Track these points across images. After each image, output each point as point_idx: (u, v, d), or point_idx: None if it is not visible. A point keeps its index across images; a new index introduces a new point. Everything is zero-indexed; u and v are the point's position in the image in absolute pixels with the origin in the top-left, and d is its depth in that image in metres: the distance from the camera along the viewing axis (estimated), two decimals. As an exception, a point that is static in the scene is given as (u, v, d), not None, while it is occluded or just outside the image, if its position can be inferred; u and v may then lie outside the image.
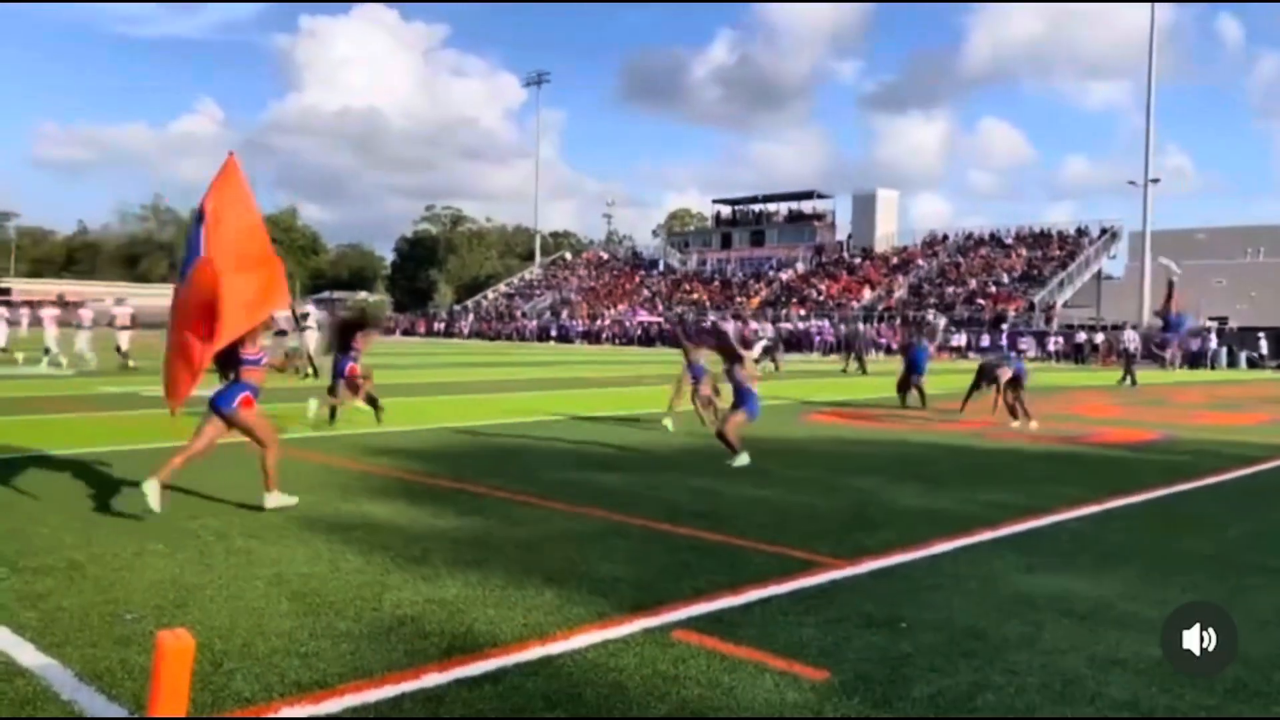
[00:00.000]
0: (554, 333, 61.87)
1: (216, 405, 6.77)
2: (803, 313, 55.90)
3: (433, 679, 3.74)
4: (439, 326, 70.43)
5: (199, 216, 6.99)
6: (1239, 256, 64.96)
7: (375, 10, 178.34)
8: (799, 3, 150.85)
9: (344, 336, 12.18)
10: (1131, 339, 30.38)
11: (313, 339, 20.78)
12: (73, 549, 5.64)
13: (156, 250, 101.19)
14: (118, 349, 23.19)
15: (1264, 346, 40.58)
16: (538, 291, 76.10)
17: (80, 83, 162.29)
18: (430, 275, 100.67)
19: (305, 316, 21.75)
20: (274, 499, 6.83)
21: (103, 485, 7.71)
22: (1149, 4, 48.01)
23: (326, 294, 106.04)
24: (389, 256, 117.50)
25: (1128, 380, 26.16)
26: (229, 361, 6.81)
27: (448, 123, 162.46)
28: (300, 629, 4.29)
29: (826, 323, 50.68)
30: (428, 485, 8.04)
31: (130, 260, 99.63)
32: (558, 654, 4.03)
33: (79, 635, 4.15)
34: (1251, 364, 40.92)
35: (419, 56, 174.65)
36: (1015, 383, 13.63)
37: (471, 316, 71.34)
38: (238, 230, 6.93)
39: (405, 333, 70.10)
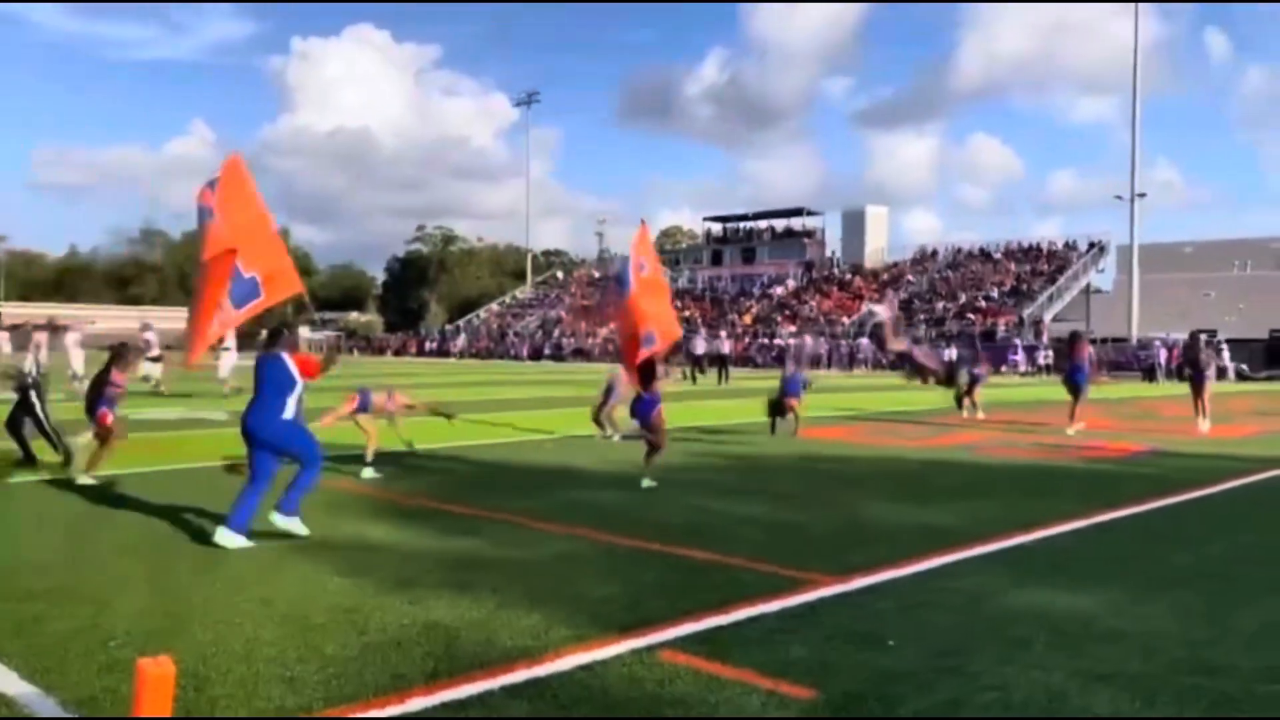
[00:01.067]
0: (547, 351, 61.88)
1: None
2: (793, 329, 56.04)
3: (418, 703, 3.73)
4: (431, 346, 70.35)
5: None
6: (1227, 270, 65.35)
7: (366, 31, 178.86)
8: (792, 2, 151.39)
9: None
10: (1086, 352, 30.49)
11: (228, 361, 21.84)
12: (63, 573, 5.63)
13: (148, 273, 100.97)
14: (145, 378, 21.57)
15: (1227, 356, 40.61)
16: (530, 311, 76.16)
17: (75, 107, 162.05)
18: (422, 295, 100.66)
19: (221, 340, 21.90)
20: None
21: (95, 509, 7.69)
22: (1134, 3, 48.21)
23: (318, 315, 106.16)
24: (380, 276, 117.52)
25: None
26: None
27: (439, 142, 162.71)
28: (287, 653, 4.29)
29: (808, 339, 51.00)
30: (419, 506, 8.03)
31: (121, 282, 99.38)
32: (544, 676, 4.03)
33: (64, 663, 4.13)
34: (1241, 376, 41.13)
35: (410, 77, 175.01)
36: (974, 382, 17.86)
37: (463, 336, 71.32)
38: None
39: (396, 353, 69.99)
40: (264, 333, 6.99)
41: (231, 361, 21.98)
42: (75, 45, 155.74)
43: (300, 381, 6.74)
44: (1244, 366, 42.30)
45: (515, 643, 4.45)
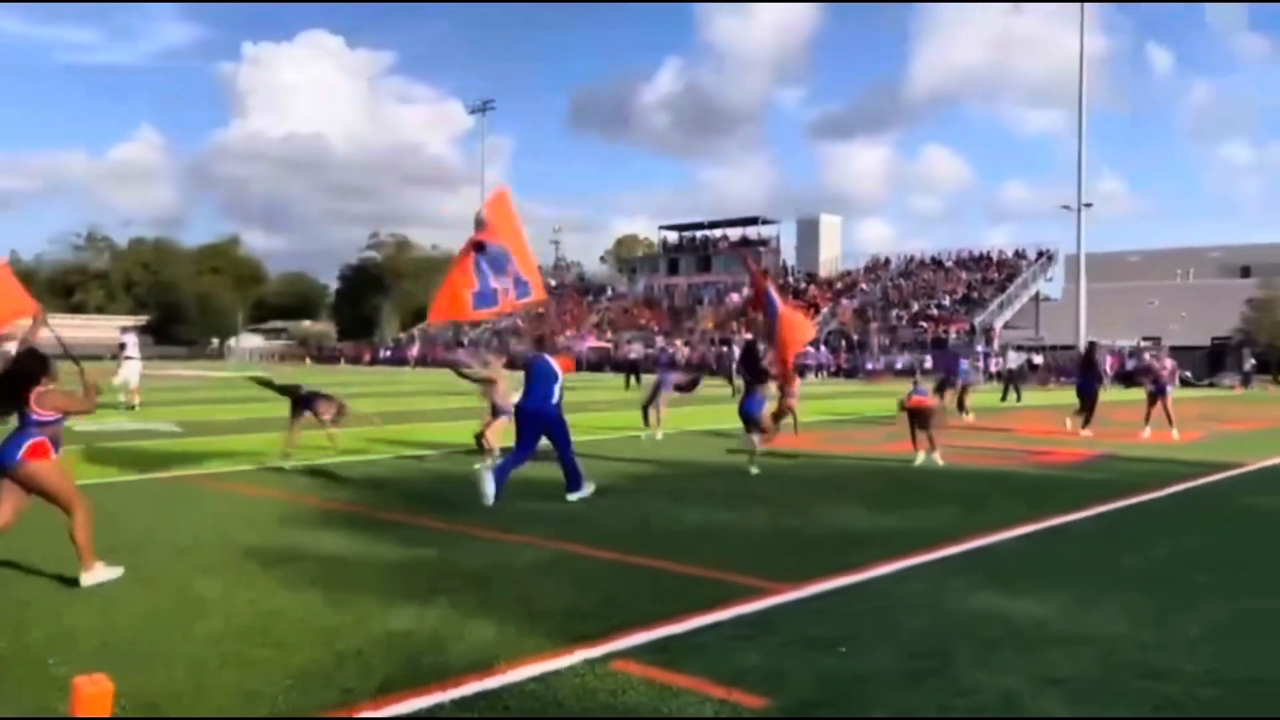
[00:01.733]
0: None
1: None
2: (749, 335, 56.33)
3: (366, 715, 3.66)
4: (385, 354, 69.68)
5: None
6: (1171, 278, 66.83)
7: (320, 37, 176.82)
8: (746, 1, 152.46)
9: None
10: (1014, 359, 31.17)
11: (133, 370, 20.68)
12: (20, 588, 5.48)
13: (92, 280, 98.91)
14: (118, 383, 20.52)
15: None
16: (485, 319, 75.75)
17: (21, 112, 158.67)
18: (375, 303, 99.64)
19: (124, 347, 21.46)
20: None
21: (38, 521, 7.47)
22: (1081, 11, 49.12)
23: (270, 323, 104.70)
24: (333, 284, 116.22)
25: (1012, 396, 27.02)
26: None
27: (394, 149, 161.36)
28: (239, 667, 4.19)
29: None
30: (374, 518, 7.92)
31: (66, 290, 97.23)
32: (496, 687, 3.98)
33: (2, 681, 4.00)
34: (1184, 383, 42.03)
35: (365, 83, 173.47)
36: (966, 387, 19.98)
37: (418, 344, 70.74)
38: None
39: (350, 361, 69.25)
40: (532, 339, 9.57)
41: (135, 370, 20.62)
42: (17, 48, 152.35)
43: (561, 375, 8.86)
44: (1188, 373, 43.22)
45: (467, 654, 4.39)
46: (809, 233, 68.08)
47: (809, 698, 3.91)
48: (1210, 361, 46.62)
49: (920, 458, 11.75)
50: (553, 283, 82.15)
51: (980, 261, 60.30)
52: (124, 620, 4.89)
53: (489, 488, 8.24)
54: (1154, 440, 15.08)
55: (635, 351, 39.52)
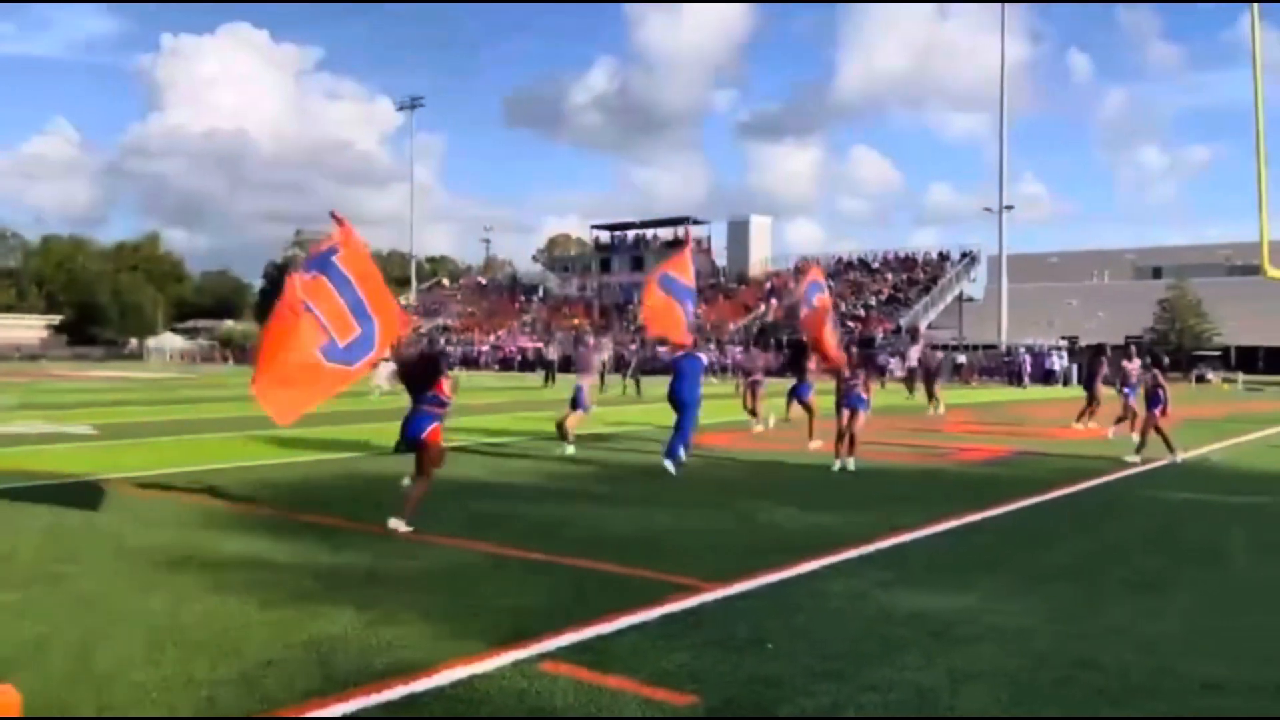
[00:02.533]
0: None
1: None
2: (799, 336, 56.47)
3: (288, 718, 3.61)
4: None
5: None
6: (1087, 279, 68.82)
7: (243, 30, 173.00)
8: (684, 2, 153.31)
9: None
10: (916, 355, 31.71)
11: None
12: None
13: (1, 278, 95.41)
14: None
15: (1059, 360, 42.74)
16: (415, 317, 74.87)
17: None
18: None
19: None
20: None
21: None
22: (1002, 11, 50.23)
23: (191, 323, 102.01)
24: (258, 283, 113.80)
25: (917, 394, 26.50)
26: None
27: (322, 146, 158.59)
28: (154, 678, 4.08)
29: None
30: (301, 522, 7.78)
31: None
32: (422, 691, 3.94)
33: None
34: (1105, 381, 43.35)
35: (291, 78, 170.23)
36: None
37: (345, 344, 69.58)
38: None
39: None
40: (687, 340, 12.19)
41: None
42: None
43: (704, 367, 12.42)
44: (1105, 371, 44.59)
45: (394, 658, 4.34)
46: (739, 234, 68.63)
47: (734, 695, 3.95)
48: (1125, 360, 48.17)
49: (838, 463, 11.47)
50: (483, 281, 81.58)
51: (906, 263, 61.43)
52: (32, 630, 4.73)
53: (673, 468, 10.67)
54: (1065, 437, 15.52)
55: (552, 352, 39.88)
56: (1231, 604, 5.64)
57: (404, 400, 7.84)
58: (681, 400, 11.41)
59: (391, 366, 22.88)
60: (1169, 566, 6.56)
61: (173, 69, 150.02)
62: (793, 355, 14.59)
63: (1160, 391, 12.09)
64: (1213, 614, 5.39)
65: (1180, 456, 12.14)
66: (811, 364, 14.63)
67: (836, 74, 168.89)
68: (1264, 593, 5.98)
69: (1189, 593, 5.93)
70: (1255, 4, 11.88)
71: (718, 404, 24.72)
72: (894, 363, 45.62)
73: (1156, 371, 12.58)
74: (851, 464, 11.24)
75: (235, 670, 4.18)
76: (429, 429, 7.50)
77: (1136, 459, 12.02)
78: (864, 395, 11.55)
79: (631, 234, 74.99)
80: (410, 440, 7.54)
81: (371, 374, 22.65)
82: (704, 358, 11.94)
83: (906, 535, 7.33)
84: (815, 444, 13.19)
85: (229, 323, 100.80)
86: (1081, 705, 3.94)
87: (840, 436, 11.41)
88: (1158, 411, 12.09)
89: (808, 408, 14.35)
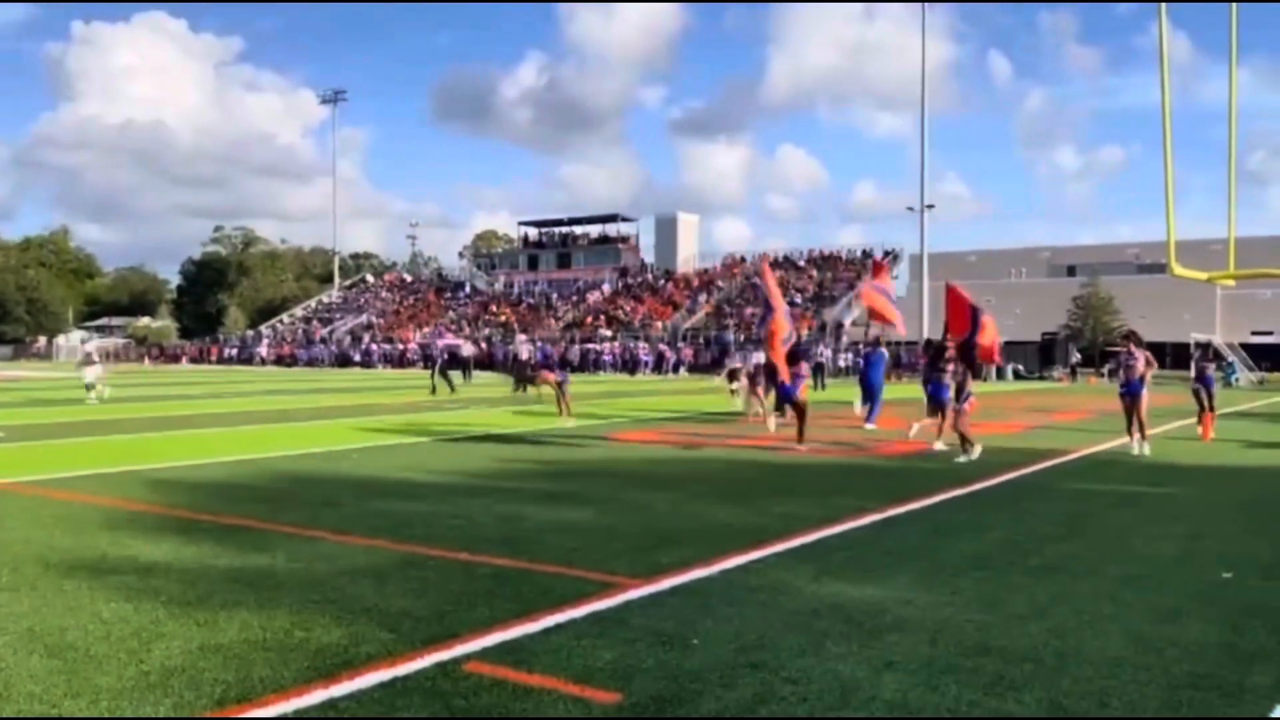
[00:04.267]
0: (357, 358, 59.93)
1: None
2: (608, 333, 56.62)
3: (203, 732, 3.51)
4: (231, 353, 66.81)
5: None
6: (1005, 277, 70.53)
7: (160, 19, 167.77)
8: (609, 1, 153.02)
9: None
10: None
11: None
12: None
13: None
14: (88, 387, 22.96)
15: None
16: (337, 315, 73.59)
17: None
18: (219, 299, 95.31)
19: None
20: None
21: None
22: (922, 37, 51.40)
23: (104, 320, 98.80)
24: (174, 280, 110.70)
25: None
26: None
27: (242, 139, 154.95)
28: (53, 689, 3.93)
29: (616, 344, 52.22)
30: (208, 523, 7.57)
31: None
32: (342, 695, 3.87)
33: None
34: (1018, 376, 44.69)
35: (210, 69, 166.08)
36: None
37: (267, 342, 68.12)
38: None
39: (194, 360, 66.13)
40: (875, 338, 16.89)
41: None
42: None
43: (887, 357, 17.37)
44: (1020, 367, 45.93)
45: (312, 662, 4.26)
46: (667, 231, 68.92)
47: (659, 691, 3.96)
48: (1040, 356, 49.56)
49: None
50: (408, 278, 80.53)
51: (830, 260, 62.37)
52: (-69, 642, 4.52)
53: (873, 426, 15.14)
54: (980, 432, 15.89)
55: (466, 349, 40.14)
56: (1133, 587, 5.84)
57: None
58: (871, 382, 16.20)
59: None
60: (1079, 557, 6.75)
61: (85, 58, 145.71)
62: (932, 356, 13.72)
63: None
64: (1116, 597, 5.57)
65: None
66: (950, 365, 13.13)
67: (767, 72, 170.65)
68: (1161, 575, 6.20)
69: (1096, 578, 6.11)
70: (1163, 4, 12.25)
71: (640, 400, 24.81)
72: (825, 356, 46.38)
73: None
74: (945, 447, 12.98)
75: (142, 679, 4.04)
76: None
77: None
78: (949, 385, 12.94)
79: (559, 231, 74.80)
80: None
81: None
82: (885, 351, 17.14)
83: (830, 529, 7.44)
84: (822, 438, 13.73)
85: (144, 320, 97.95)
86: (984, 692, 4.02)
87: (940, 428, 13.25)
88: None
89: (941, 408, 13.14)
